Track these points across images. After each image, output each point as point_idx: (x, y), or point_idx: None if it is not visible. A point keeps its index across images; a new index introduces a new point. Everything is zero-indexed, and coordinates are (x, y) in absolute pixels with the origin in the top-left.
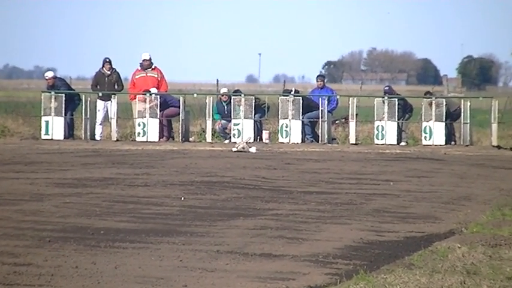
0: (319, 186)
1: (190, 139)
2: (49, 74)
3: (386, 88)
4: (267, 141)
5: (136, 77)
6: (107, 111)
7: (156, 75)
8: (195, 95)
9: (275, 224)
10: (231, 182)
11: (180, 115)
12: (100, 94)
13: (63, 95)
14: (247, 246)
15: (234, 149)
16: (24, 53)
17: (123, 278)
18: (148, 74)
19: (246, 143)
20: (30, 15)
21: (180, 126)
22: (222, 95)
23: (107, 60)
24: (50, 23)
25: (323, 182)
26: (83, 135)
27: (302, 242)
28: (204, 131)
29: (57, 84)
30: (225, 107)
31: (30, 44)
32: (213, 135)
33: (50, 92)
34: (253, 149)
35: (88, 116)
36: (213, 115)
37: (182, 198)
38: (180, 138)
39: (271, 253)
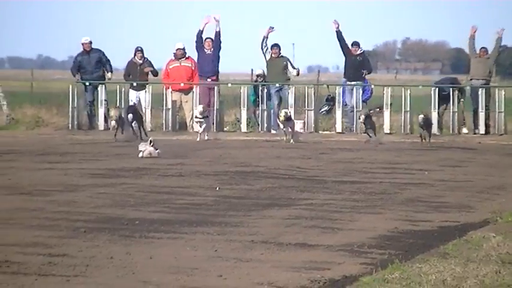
0: (353, 176)
1: (225, 129)
2: (87, 39)
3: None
4: (301, 131)
5: (170, 66)
6: (139, 101)
7: (190, 65)
8: (230, 85)
9: (309, 214)
10: (265, 172)
11: (215, 105)
12: (134, 84)
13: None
14: (282, 236)
15: (140, 155)
16: (57, 44)
17: (157, 269)
18: (182, 64)
19: (152, 145)
20: (63, 5)
21: (215, 116)
22: (257, 76)
23: (139, 49)
24: (83, 14)
25: (357, 172)
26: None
27: (336, 231)
28: (238, 121)
29: (93, 55)
30: (260, 88)
31: (64, 34)
32: (247, 124)
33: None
34: (156, 153)
35: (122, 106)
36: (248, 102)
37: (217, 188)
38: (215, 128)
39: (306, 243)
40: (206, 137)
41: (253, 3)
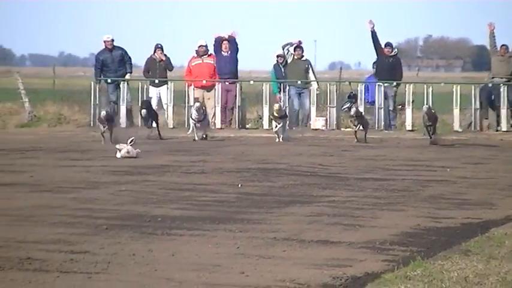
0: (375, 173)
1: (247, 126)
2: (109, 37)
3: None
4: (324, 128)
5: (193, 64)
6: (160, 97)
7: (212, 62)
8: (252, 82)
9: (331, 211)
10: (287, 169)
11: (237, 102)
12: (156, 81)
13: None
14: (304, 233)
15: (118, 155)
16: (79, 41)
17: (179, 266)
18: (204, 61)
19: (131, 144)
20: (84, 2)
21: (237, 113)
22: (278, 57)
23: (159, 46)
24: (104, 11)
25: (379, 169)
26: (139, 122)
27: (358, 228)
28: (260, 118)
29: (116, 53)
30: (282, 70)
31: (85, 31)
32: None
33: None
34: (134, 152)
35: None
36: (271, 92)
37: (239, 185)
38: (237, 125)
39: (328, 240)
40: (199, 135)
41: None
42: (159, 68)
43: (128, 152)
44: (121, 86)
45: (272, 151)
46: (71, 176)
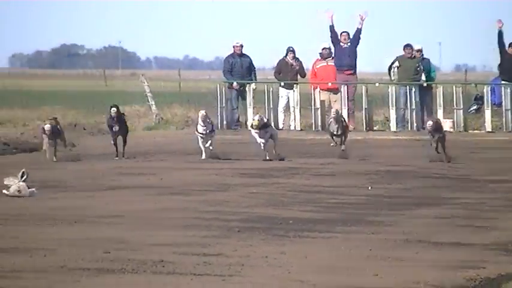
0: (506, 175)
1: (374, 128)
2: (239, 42)
3: None
4: (451, 130)
5: (317, 66)
6: (288, 100)
7: None
8: (377, 84)
9: (462, 213)
10: (416, 171)
11: (363, 104)
12: (282, 84)
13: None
14: (435, 235)
15: (5, 192)
16: (204, 44)
17: (312, 268)
18: (329, 63)
19: (23, 180)
20: (211, 6)
21: (364, 115)
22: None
23: (291, 49)
24: (230, 14)
25: (509, 171)
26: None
27: (490, 230)
28: (387, 120)
29: (245, 60)
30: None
31: (211, 35)
32: (397, 124)
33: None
34: (27, 191)
35: (271, 106)
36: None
37: (369, 188)
38: (364, 127)
39: (460, 242)
40: (208, 151)
41: (402, 3)
42: (290, 71)
43: (18, 191)
44: (247, 89)
45: (400, 153)
46: (201, 178)
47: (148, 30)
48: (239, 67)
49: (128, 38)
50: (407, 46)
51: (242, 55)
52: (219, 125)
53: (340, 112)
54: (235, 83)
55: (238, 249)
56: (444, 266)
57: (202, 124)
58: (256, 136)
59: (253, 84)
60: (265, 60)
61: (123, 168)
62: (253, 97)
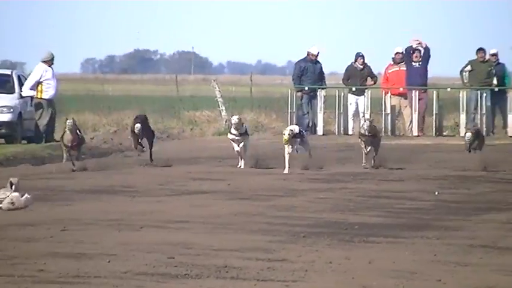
0: None
1: (444, 133)
2: (315, 50)
3: None
4: None
5: (390, 71)
6: (357, 106)
7: None
8: (449, 89)
9: None
10: (485, 176)
11: (434, 109)
12: (353, 89)
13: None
14: (501, 240)
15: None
16: (277, 49)
17: (377, 273)
18: (401, 68)
19: (15, 190)
20: (284, 12)
21: (434, 120)
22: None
23: (360, 54)
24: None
25: None
26: (336, 130)
27: None
28: (457, 125)
29: (318, 66)
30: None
31: (283, 40)
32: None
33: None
34: (22, 201)
35: (341, 111)
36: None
37: (436, 193)
38: (434, 132)
39: None
40: (242, 163)
41: (471, 3)
42: (360, 77)
43: (12, 203)
44: (318, 94)
45: (470, 158)
46: (269, 183)
47: (221, 36)
48: (311, 73)
49: (201, 43)
50: (480, 50)
51: (316, 62)
52: None
53: (372, 119)
54: (306, 88)
55: (303, 254)
56: (509, 271)
57: (234, 131)
58: (286, 147)
59: (323, 91)
60: (337, 65)
61: (192, 173)
62: (323, 102)
